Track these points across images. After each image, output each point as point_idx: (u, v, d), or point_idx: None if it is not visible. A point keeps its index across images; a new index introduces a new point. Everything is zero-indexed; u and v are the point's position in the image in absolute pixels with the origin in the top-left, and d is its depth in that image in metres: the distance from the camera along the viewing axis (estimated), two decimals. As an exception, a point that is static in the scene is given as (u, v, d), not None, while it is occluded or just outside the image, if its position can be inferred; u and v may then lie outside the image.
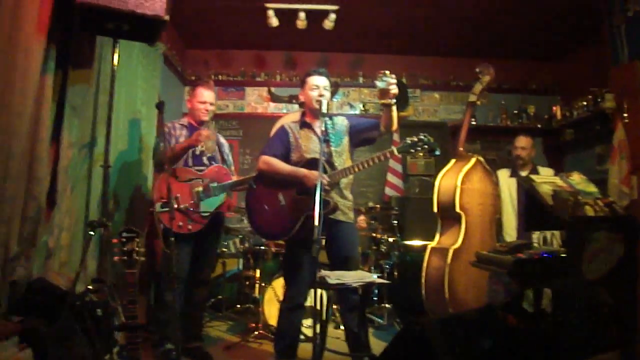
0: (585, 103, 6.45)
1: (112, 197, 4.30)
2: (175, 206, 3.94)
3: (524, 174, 5.12)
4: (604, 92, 5.53)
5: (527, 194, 3.11)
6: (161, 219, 4.01)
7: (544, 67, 7.88)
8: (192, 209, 4.12)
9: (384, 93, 3.56)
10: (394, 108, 3.66)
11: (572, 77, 7.45)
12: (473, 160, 4.78)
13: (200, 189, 4.21)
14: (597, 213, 2.82)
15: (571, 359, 2.67)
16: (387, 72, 3.52)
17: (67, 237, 3.75)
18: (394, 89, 3.53)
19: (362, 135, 3.97)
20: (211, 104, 4.45)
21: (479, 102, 5.07)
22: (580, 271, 2.63)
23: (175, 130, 4.37)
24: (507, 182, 5.23)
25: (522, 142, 5.29)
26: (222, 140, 4.70)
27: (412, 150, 3.66)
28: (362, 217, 6.30)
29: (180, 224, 4.04)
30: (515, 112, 7.67)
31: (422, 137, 3.63)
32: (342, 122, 4.00)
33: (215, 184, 4.28)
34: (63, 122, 3.59)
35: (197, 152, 4.36)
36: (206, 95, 4.42)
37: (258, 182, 3.94)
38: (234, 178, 4.46)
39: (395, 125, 3.75)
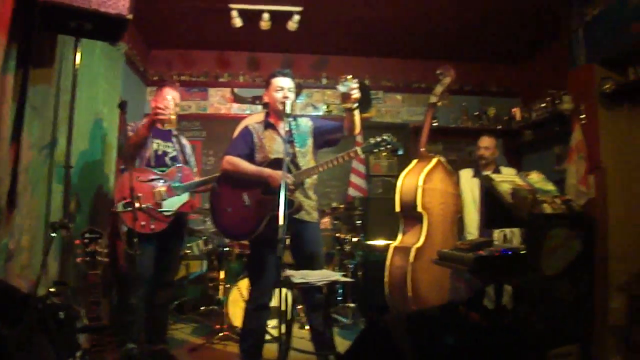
0: (544, 105, 6.58)
1: (73, 198, 4.25)
2: (137, 205, 3.93)
3: (487, 174, 5.20)
4: (562, 94, 5.64)
5: (487, 193, 3.18)
6: (123, 218, 4.00)
7: (504, 70, 8.02)
8: (153, 208, 4.10)
9: (346, 97, 3.62)
10: (356, 112, 3.71)
11: (532, 79, 7.60)
12: (434, 160, 4.86)
13: (163, 188, 4.19)
14: (555, 210, 2.88)
15: (532, 353, 2.72)
16: (349, 76, 3.57)
17: (28, 239, 3.68)
18: (356, 93, 3.59)
19: (325, 137, 4.01)
20: (176, 104, 4.43)
21: (440, 103, 5.16)
22: (539, 267, 2.70)
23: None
24: (469, 182, 5.30)
25: (486, 142, 5.36)
26: (184, 141, 4.69)
27: (376, 150, 3.72)
28: (325, 219, 6.33)
29: (143, 223, 4.01)
30: (476, 113, 7.79)
31: (385, 137, 3.69)
32: (306, 124, 4.04)
33: (177, 184, 4.27)
34: (23, 122, 3.53)
35: (160, 152, 4.35)
36: (171, 95, 4.41)
37: (222, 183, 3.94)
38: (197, 179, 4.45)
39: (357, 129, 3.80)
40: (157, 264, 4.21)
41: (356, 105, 3.66)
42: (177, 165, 4.39)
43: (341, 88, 3.60)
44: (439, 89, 5.13)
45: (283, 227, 3.00)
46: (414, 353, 2.66)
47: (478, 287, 3.42)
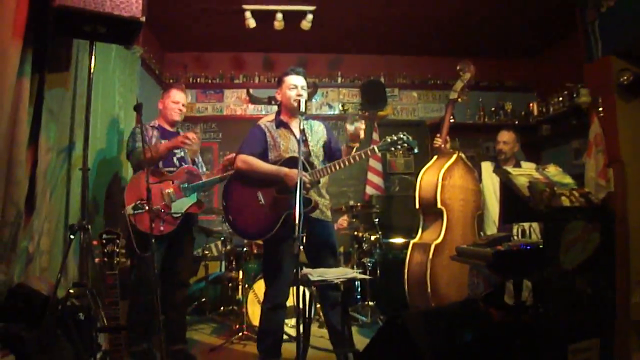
0: (561, 99, 6.55)
1: (91, 200, 4.29)
2: (147, 208, 3.96)
3: (505, 167, 5.15)
4: (579, 88, 5.59)
5: (505, 186, 3.15)
6: (133, 221, 4.02)
7: (520, 65, 7.97)
8: (163, 210, 4.13)
9: (354, 136, 3.77)
10: (354, 149, 3.86)
11: (548, 73, 7.54)
12: (454, 156, 4.82)
13: (171, 190, 4.24)
14: (573, 203, 2.84)
15: (551, 348, 2.70)
16: (357, 116, 3.65)
17: (47, 242, 3.72)
18: (362, 134, 3.76)
19: (330, 148, 4.02)
20: (183, 104, 4.55)
21: (459, 100, 5.10)
22: (557, 261, 2.66)
23: (147, 132, 4.40)
24: (491, 175, 5.24)
25: (505, 136, 5.30)
26: None
27: (392, 149, 3.72)
28: (344, 218, 6.32)
29: (153, 225, 4.03)
30: (493, 109, 7.75)
31: (401, 135, 3.70)
32: (319, 126, 4.07)
33: (186, 185, 4.31)
34: (41, 125, 3.57)
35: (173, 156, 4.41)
36: (179, 96, 4.52)
37: (236, 182, 3.94)
38: (205, 179, 4.49)
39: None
40: (170, 266, 4.24)
41: (358, 144, 3.83)
42: (185, 165, 4.43)
43: (349, 127, 3.77)
44: (459, 84, 5.08)
45: (299, 225, 2.99)
46: (433, 350, 2.64)
47: (497, 283, 3.39)
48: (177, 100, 4.49)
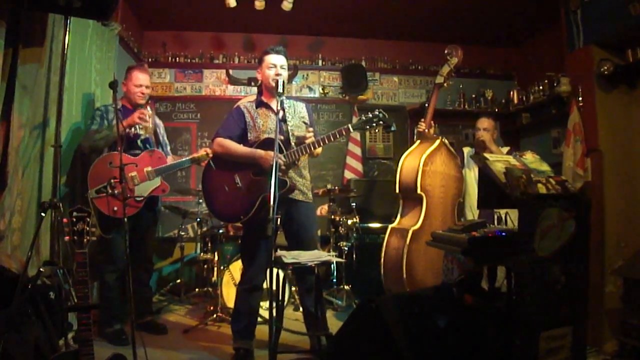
0: (541, 87, 6.55)
1: (64, 178, 4.25)
2: (110, 191, 4.03)
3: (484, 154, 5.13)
4: (559, 77, 5.59)
5: (481, 172, 3.14)
6: (97, 204, 4.03)
7: (502, 52, 7.98)
8: (127, 195, 4.13)
9: None
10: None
11: (530, 62, 7.55)
12: (437, 142, 4.78)
13: (135, 173, 4.24)
14: (549, 191, 2.84)
15: (524, 335, 2.70)
16: None
17: (19, 220, 3.67)
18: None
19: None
20: (147, 87, 4.54)
21: (445, 84, 5.07)
22: (532, 248, 2.66)
23: (108, 114, 4.38)
24: (472, 161, 5.23)
25: (484, 123, 5.29)
26: (158, 120, 4.78)
27: (367, 127, 3.70)
28: (324, 206, 6.31)
29: (115, 208, 4.05)
30: (473, 96, 7.74)
31: (376, 112, 3.68)
32: (301, 108, 4.02)
33: (149, 168, 4.30)
34: (13, 101, 3.50)
35: (131, 135, 4.38)
36: (142, 78, 4.50)
37: (214, 165, 3.91)
38: (170, 160, 4.51)
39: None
40: (134, 246, 4.22)
41: None
42: (150, 148, 4.44)
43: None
44: (445, 69, 5.01)
45: (274, 207, 2.97)
46: (406, 334, 2.63)
47: (471, 269, 3.39)
48: (140, 84, 4.48)
